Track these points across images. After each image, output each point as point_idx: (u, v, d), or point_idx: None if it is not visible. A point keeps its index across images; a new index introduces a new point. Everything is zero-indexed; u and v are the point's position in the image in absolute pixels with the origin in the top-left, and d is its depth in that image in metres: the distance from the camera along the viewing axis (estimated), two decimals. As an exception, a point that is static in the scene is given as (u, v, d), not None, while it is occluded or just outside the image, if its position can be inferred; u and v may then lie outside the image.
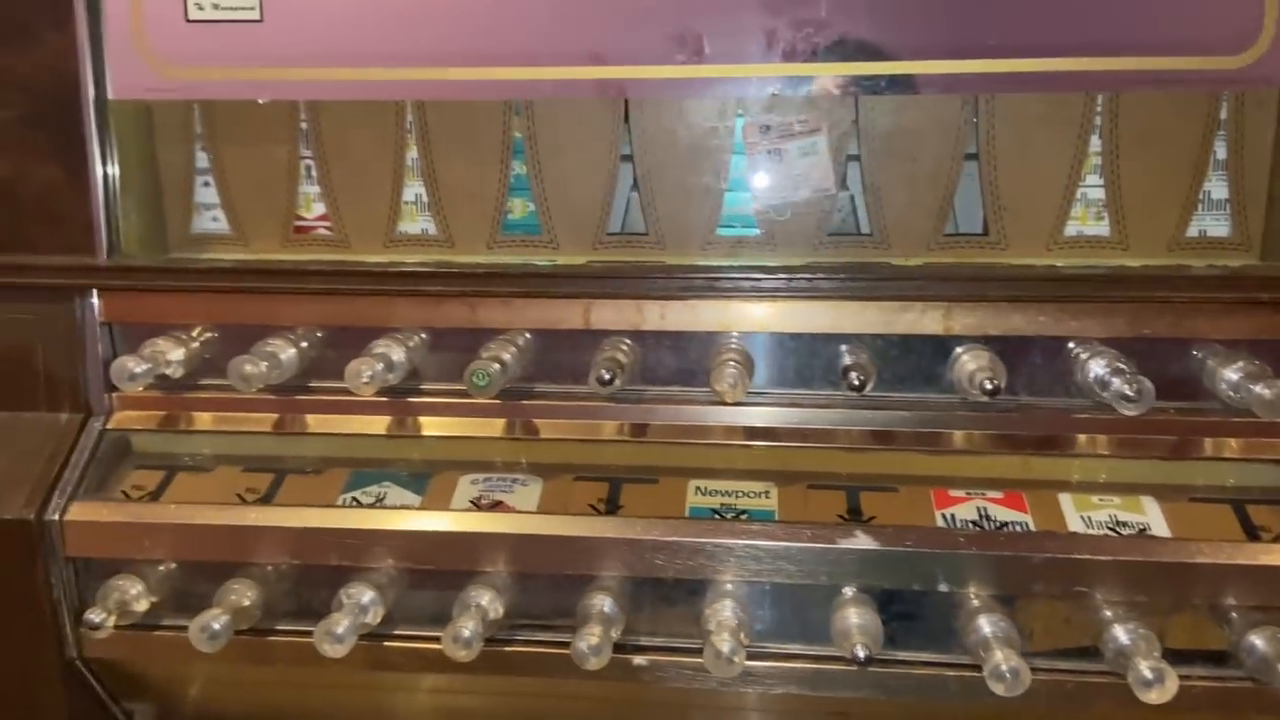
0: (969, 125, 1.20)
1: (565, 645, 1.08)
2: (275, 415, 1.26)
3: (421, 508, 1.19)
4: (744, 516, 1.15)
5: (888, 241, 1.24)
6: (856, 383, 1.11)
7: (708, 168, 1.25)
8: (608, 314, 1.21)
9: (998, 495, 1.15)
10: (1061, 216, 1.22)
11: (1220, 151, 1.20)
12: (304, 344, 1.24)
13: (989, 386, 1.09)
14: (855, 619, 1.06)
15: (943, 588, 1.07)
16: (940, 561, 1.07)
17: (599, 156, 1.26)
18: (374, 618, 1.12)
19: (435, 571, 1.15)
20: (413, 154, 1.30)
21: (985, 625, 1.05)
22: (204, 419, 1.27)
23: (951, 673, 1.09)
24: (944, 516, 1.14)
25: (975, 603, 1.07)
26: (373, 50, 1.21)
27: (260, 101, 1.26)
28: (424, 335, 1.25)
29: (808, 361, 1.21)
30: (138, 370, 1.19)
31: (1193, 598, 1.06)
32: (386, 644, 1.16)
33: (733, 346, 1.18)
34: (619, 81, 1.19)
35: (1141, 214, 1.21)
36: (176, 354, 1.23)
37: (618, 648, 1.10)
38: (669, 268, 1.22)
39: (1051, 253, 1.22)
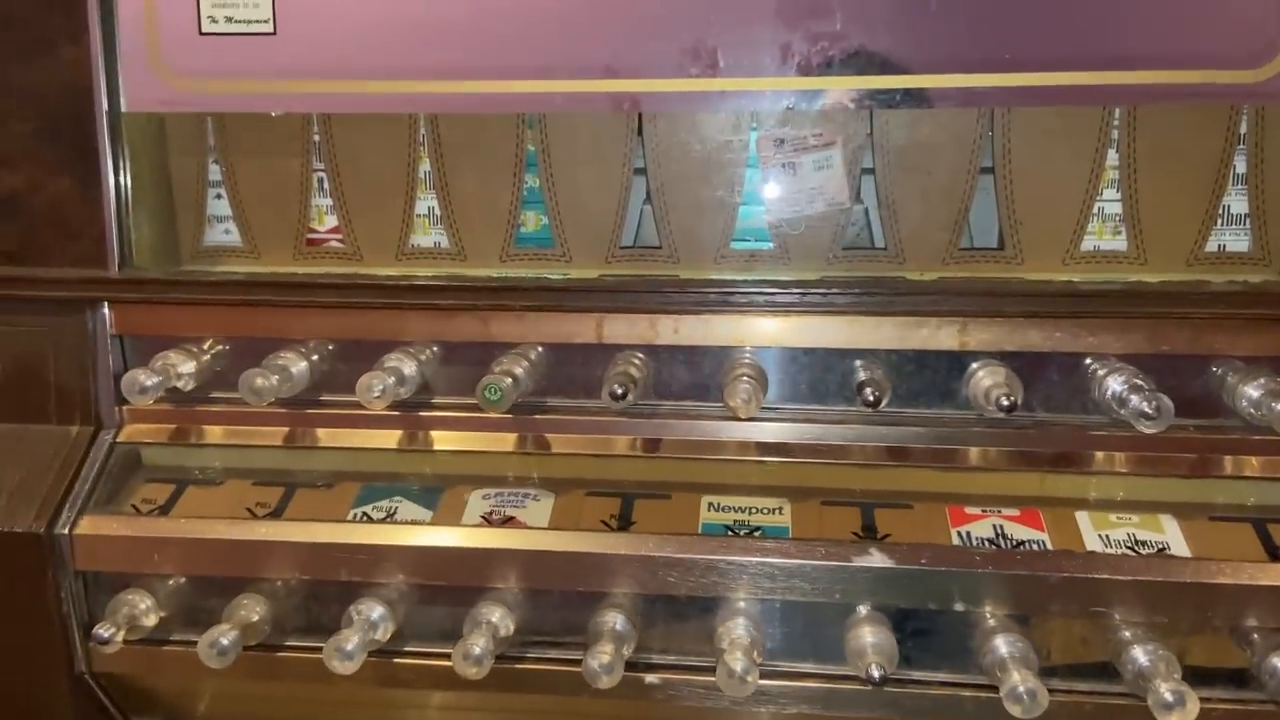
0: (984, 139, 1.19)
1: (577, 663, 1.07)
2: (286, 429, 1.26)
3: (432, 523, 1.18)
4: (757, 533, 1.14)
5: (902, 255, 1.23)
6: (871, 399, 1.10)
7: (721, 181, 1.24)
8: (620, 328, 1.20)
9: (1014, 513, 1.14)
10: (1078, 231, 1.21)
11: (1240, 165, 1.19)
12: (315, 357, 1.24)
13: (1005, 403, 1.07)
14: (870, 638, 1.05)
15: (958, 607, 1.06)
16: (956, 580, 1.05)
17: (612, 170, 1.25)
18: (384, 634, 1.11)
19: (446, 587, 1.14)
20: (425, 167, 1.30)
21: (1002, 645, 1.03)
22: (215, 432, 1.27)
23: (968, 693, 1.08)
24: (960, 534, 1.12)
25: (992, 622, 1.06)
26: (385, 63, 1.21)
27: (273, 114, 1.26)
28: (436, 349, 1.24)
29: (822, 377, 1.20)
30: (149, 383, 1.18)
31: (1213, 619, 1.05)
32: (396, 660, 1.16)
33: (746, 361, 1.17)
34: (633, 95, 1.19)
35: (1160, 229, 1.20)
36: (187, 367, 1.23)
37: (629, 666, 1.09)
38: (682, 282, 1.21)
39: (1068, 267, 1.21)
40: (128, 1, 1.22)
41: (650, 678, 1.12)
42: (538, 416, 1.23)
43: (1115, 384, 1.09)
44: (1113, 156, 1.20)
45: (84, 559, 1.19)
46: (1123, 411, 1.08)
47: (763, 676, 1.07)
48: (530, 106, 1.22)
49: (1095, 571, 1.04)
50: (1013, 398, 1.08)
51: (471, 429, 1.24)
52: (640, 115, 1.22)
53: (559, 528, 1.16)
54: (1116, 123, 1.19)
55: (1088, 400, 1.14)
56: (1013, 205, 1.21)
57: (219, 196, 1.33)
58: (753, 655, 1.04)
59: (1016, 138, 1.19)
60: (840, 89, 1.16)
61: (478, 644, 1.05)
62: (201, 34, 1.22)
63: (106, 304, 1.26)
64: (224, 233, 1.34)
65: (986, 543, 1.10)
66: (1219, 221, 1.20)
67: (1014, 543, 1.10)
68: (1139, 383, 1.08)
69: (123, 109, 1.25)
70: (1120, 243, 1.21)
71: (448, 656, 1.08)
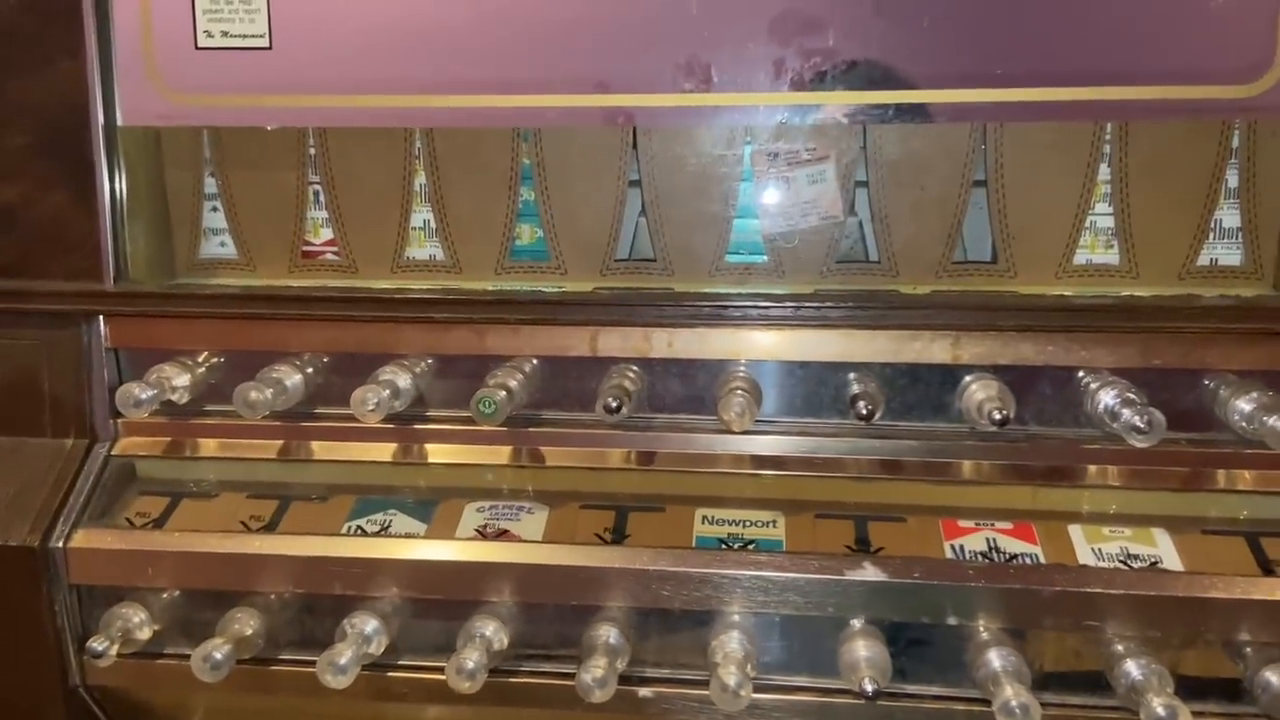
0: (977, 153, 1.20)
1: (570, 676, 1.07)
2: (281, 442, 1.26)
3: (426, 536, 1.18)
4: (751, 546, 1.14)
5: (896, 269, 1.24)
6: (865, 412, 1.10)
7: (716, 195, 1.25)
8: (615, 341, 1.20)
9: (1007, 526, 1.14)
10: (1071, 244, 1.22)
11: (1232, 179, 1.20)
12: (310, 370, 1.24)
13: (998, 417, 1.08)
14: (863, 652, 1.05)
15: (951, 621, 1.06)
16: (949, 594, 1.06)
17: (607, 183, 1.26)
18: (377, 648, 1.11)
19: (440, 601, 1.14)
20: (421, 180, 1.30)
21: (995, 659, 1.03)
22: (209, 445, 1.27)
23: (960, 707, 1.08)
24: (953, 548, 1.12)
25: (985, 636, 1.06)
26: (380, 78, 1.21)
27: (268, 128, 1.26)
28: (431, 362, 1.24)
29: (816, 390, 1.20)
30: (143, 397, 1.19)
31: (1206, 633, 1.05)
32: (390, 674, 1.16)
33: (740, 375, 1.17)
34: (626, 109, 1.19)
35: (1152, 242, 1.20)
36: (182, 380, 1.23)
37: (623, 679, 1.09)
38: (676, 295, 1.22)
39: (1061, 281, 1.22)
40: (124, 16, 1.23)
41: (644, 691, 1.12)
42: (532, 429, 1.23)
43: (1107, 398, 1.10)
44: (1105, 170, 1.20)
45: (78, 572, 1.19)
46: (1115, 425, 1.08)
47: (756, 690, 1.07)
48: (524, 121, 1.23)
49: (1087, 585, 1.04)
50: (1005, 411, 1.08)
51: (466, 442, 1.24)
52: (635, 129, 1.23)
53: (553, 541, 1.16)
54: (1108, 137, 1.19)
55: (1080, 414, 1.15)
56: (1005, 219, 1.21)
57: (215, 209, 1.34)
58: (746, 669, 1.04)
59: (1009, 152, 1.20)
60: (833, 104, 1.16)
61: (471, 658, 1.05)
62: (198, 49, 1.23)
63: (101, 317, 1.26)
64: (219, 245, 1.35)
65: (979, 556, 1.10)
66: (1211, 236, 1.20)
67: (1006, 556, 1.10)
68: (1131, 396, 1.09)
69: (119, 123, 1.25)
70: (1113, 256, 1.22)
71: (442, 670, 1.08)
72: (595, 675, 1.04)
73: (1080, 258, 1.22)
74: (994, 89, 1.14)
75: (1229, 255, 1.21)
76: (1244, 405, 1.09)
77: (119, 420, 1.26)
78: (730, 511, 1.19)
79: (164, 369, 1.23)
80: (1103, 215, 1.22)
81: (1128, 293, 1.19)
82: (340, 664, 1.06)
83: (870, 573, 1.07)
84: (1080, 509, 1.15)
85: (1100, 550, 1.10)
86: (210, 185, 1.33)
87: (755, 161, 1.24)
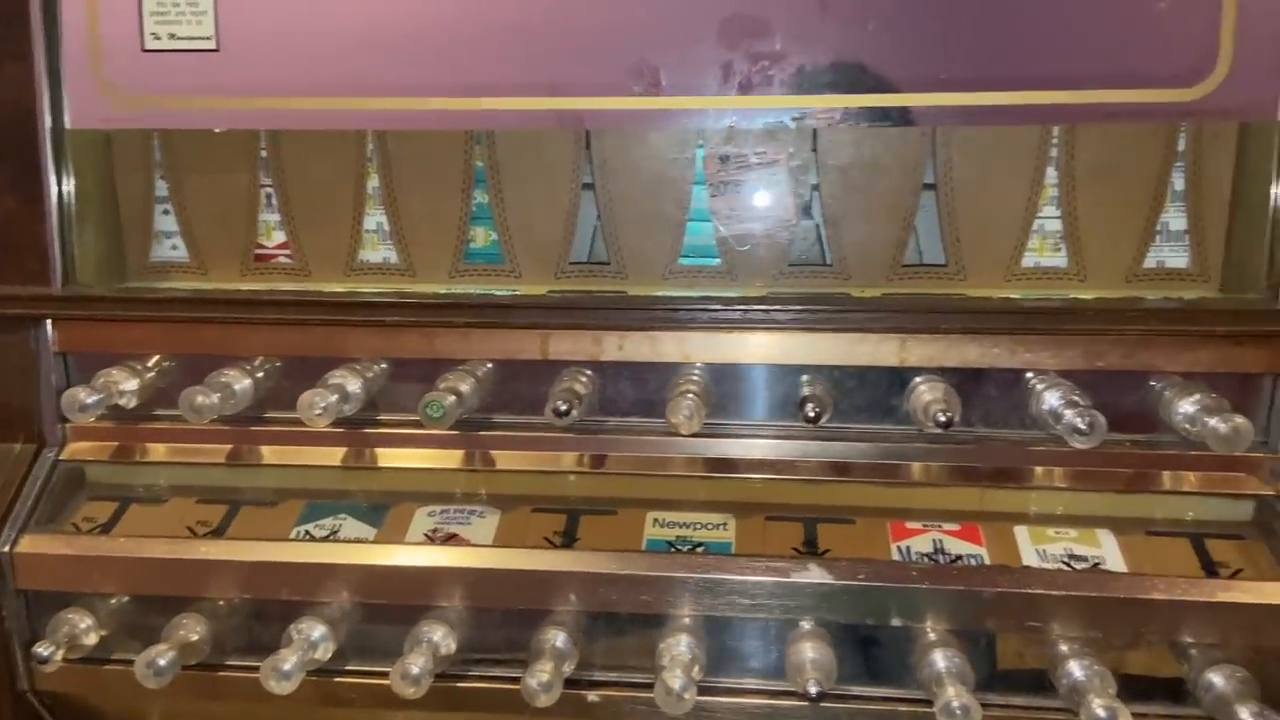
0: (927, 157, 1.20)
1: (518, 681, 1.06)
2: (230, 446, 1.25)
3: (376, 540, 1.18)
4: (700, 549, 1.14)
5: (847, 272, 1.24)
6: (812, 414, 1.10)
7: (669, 198, 1.25)
8: (566, 345, 1.20)
9: (954, 528, 1.14)
10: (1019, 248, 1.22)
11: (1178, 182, 1.20)
12: (260, 374, 1.24)
13: (942, 419, 1.08)
14: (809, 654, 1.05)
15: (896, 622, 1.07)
16: (893, 596, 1.06)
17: (560, 186, 1.26)
18: (324, 653, 1.11)
19: (387, 606, 1.13)
20: (374, 182, 1.30)
21: (939, 660, 1.04)
22: (159, 450, 1.26)
23: (905, 708, 1.08)
24: (900, 549, 1.13)
25: (929, 637, 1.06)
26: (330, 80, 1.21)
27: (216, 131, 1.25)
28: (382, 365, 1.24)
29: (766, 392, 1.21)
30: (89, 401, 1.18)
31: (1148, 634, 1.05)
32: (337, 680, 1.15)
33: (690, 378, 1.17)
34: (576, 113, 1.19)
35: (1099, 245, 1.21)
36: (130, 384, 1.22)
37: (571, 683, 1.09)
38: (626, 299, 1.22)
39: (1010, 284, 1.22)
40: (71, 19, 1.22)
41: (592, 695, 1.12)
42: (484, 433, 1.23)
43: (1052, 399, 1.10)
44: (1052, 174, 1.21)
45: (25, 578, 1.18)
46: (1058, 427, 1.09)
47: (704, 693, 1.07)
48: (475, 124, 1.23)
49: (1029, 586, 1.04)
50: (950, 413, 1.08)
51: (418, 445, 1.23)
52: (588, 131, 1.23)
53: (503, 545, 1.16)
54: (1056, 140, 1.20)
55: (1026, 415, 1.15)
56: (954, 222, 1.22)
57: (166, 212, 1.33)
58: (692, 672, 1.04)
59: (958, 156, 1.20)
60: (781, 107, 1.17)
61: (416, 663, 1.05)
62: (144, 51, 1.22)
63: (49, 321, 1.25)
64: (171, 248, 1.34)
65: (925, 558, 1.10)
66: (1158, 238, 1.21)
67: (952, 557, 1.10)
68: (1074, 398, 1.09)
69: (66, 126, 1.24)
70: (1061, 259, 1.23)
71: (389, 675, 1.08)
72: (541, 680, 1.03)
73: (1029, 260, 1.23)
74: (941, 93, 1.14)
75: (1176, 258, 1.22)
76: (1187, 407, 1.09)
77: (67, 425, 1.25)
78: (681, 514, 1.19)
79: (112, 373, 1.22)
80: (1051, 218, 1.23)
81: (1074, 295, 1.19)
82: (285, 669, 1.05)
83: (816, 575, 1.07)
84: (1027, 510, 1.16)
85: (1045, 551, 1.11)
86: (161, 188, 1.32)
87: (707, 165, 1.24)
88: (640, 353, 1.20)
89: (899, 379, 1.17)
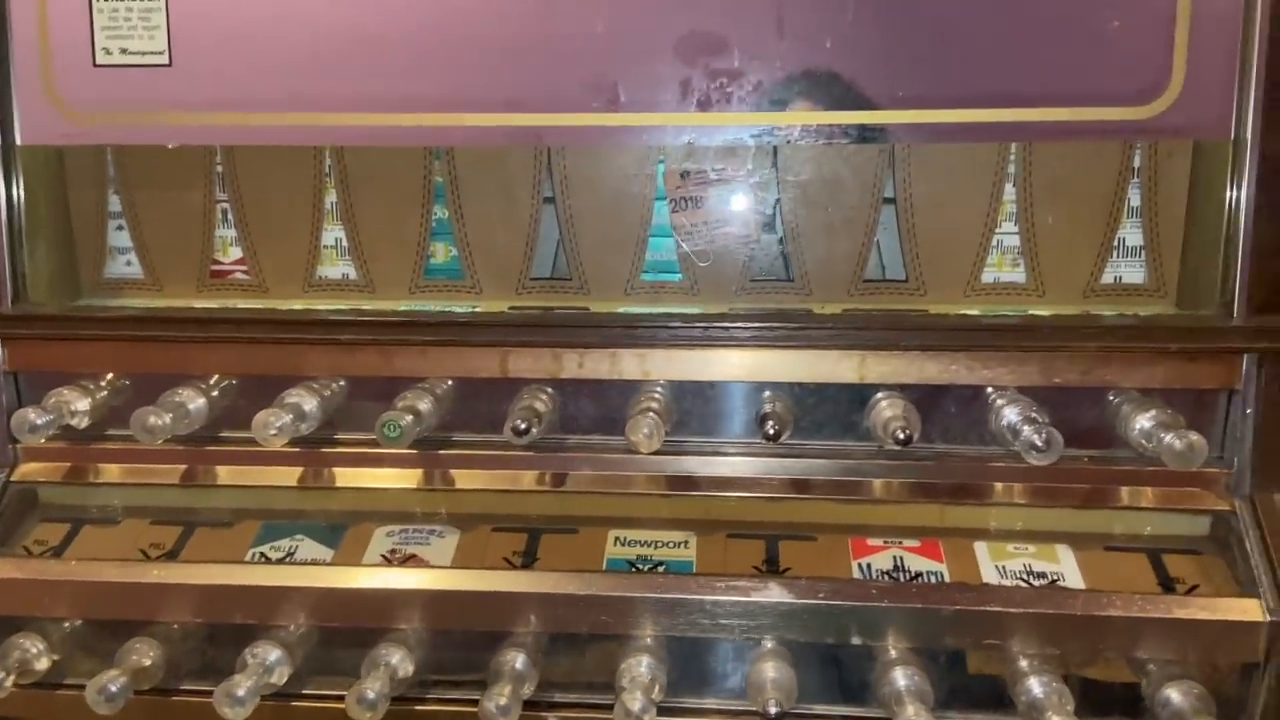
0: (887, 173, 1.21)
1: (476, 704, 1.05)
2: (185, 466, 1.23)
3: (333, 562, 1.17)
4: (661, 568, 1.13)
5: (809, 287, 1.24)
6: (771, 432, 1.10)
7: (630, 213, 1.24)
8: (525, 362, 1.19)
9: (915, 544, 1.14)
10: (978, 263, 1.23)
11: (1135, 198, 1.21)
12: (215, 393, 1.22)
13: (901, 436, 1.08)
14: (769, 673, 1.05)
15: (856, 640, 1.06)
16: (853, 615, 1.06)
17: (521, 201, 1.25)
18: (279, 678, 1.09)
19: (344, 629, 1.12)
20: (332, 197, 1.28)
21: (899, 678, 1.04)
22: (112, 470, 1.24)
23: (866, 727, 1.08)
24: (860, 566, 1.13)
25: (890, 655, 1.06)
26: (285, 95, 1.19)
27: (170, 146, 1.24)
28: (339, 384, 1.23)
29: (727, 409, 1.20)
30: (39, 422, 1.16)
31: (1106, 650, 1.06)
32: (294, 704, 1.14)
33: (651, 395, 1.17)
34: (535, 129, 1.18)
35: (1056, 261, 1.22)
36: (82, 404, 1.20)
37: (531, 705, 1.08)
38: (586, 316, 1.21)
39: (969, 299, 1.23)
40: (21, 33, 1.20)
41: (551, 717, 1.11)
42: (443, 452, 1.21)
43: (1009, 416, 1.11)
44: (1010, 190, 1.22)
45: (-26, 602, 1.16)
46: (1015, 443, 1.09)
47: (663, 714, 1.06)
48: (433, 140, 1.22)
49: (988, 604, 1.04)
50: (909, 431, 1.08)
51: (376, 464, 1.22)
52: (549, 147, 1.22)
53: (462, 565, 1.15)
54: (1014, 157, 1.20)
55: (986, 432, 1.15)
56: (914, 238, 1.22)
57: (120, 228, 1.31)
58: (651, 694, 1.03)
59: (916, 172, 1.21)
60: (740, 124, 1.16)
61: (372, 688, 1.03)
62: (96, 66, 1.20)
63: (-1, 340, 1.23)
64: (126, 264, 1.32)
65: (886, 575, 1.10)
66: (1115, 254, 1.22)
67: (912, 575, 1.10)
68: (1032, 415, 1.09)
69: (17, 142, 1.22)
70: (1020, 275, 1.23)
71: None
72: (499, 703, 1.02)
73: (988, 276, 1.24)
74: (897, 110, 1.14)
75: (1132, 273, 1.23)
76: (1143, 423, 1.10)
77: (18, 446, 1.23)
78: (643, 532, 1.18)
79: (63, 393, 1.20)
80: (1009, 234, 1.23)
81: (1032, 311, 1.20)
82: (238, 695, 1.03)
83: (776, 594, 1.06)
84: (987, 526, 1.16)
85: (1004, 568, 1.11)
86: (115, 203, 1.30)
87: (668, 181, 1.24)
88: (600, 370, 1.19)
89: (858, 395, 1.17)
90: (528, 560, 1.15)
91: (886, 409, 1.13)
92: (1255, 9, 1.09)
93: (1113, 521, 1.16)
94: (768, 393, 1.18)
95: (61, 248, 1.30)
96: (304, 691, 1.14)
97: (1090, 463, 1.15)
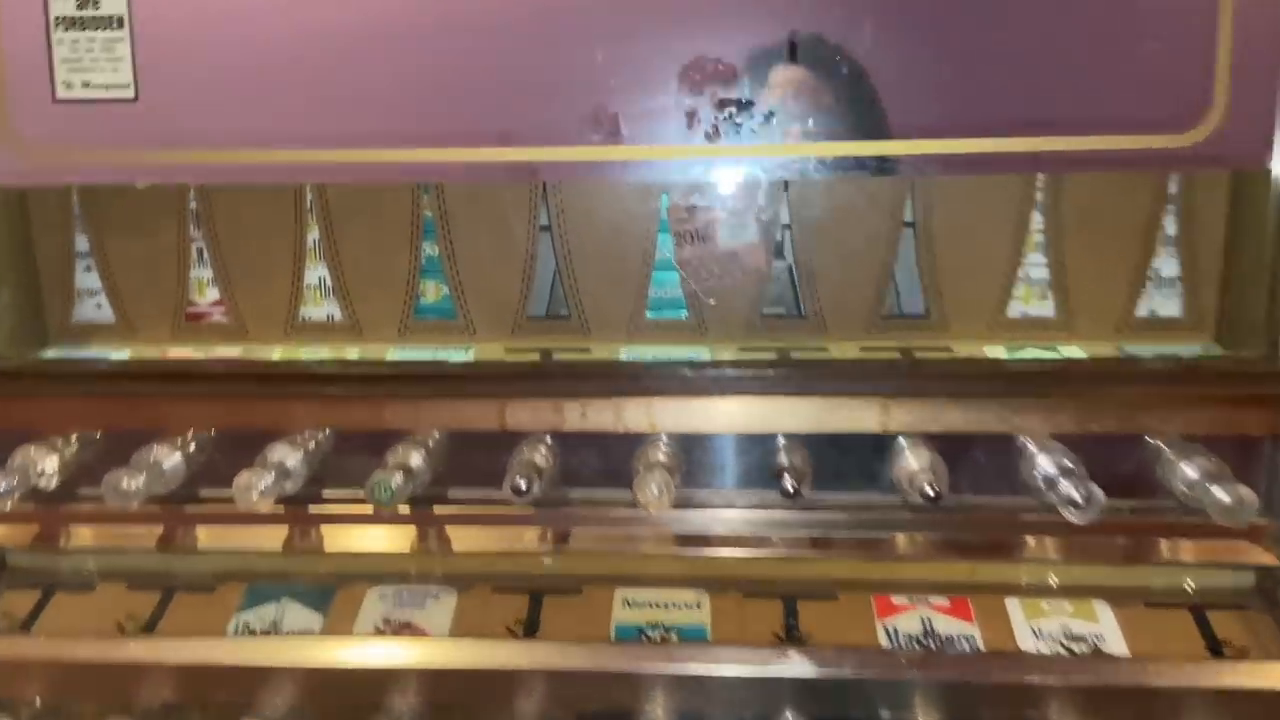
0: (904, 204, 1.13)
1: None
2: (162, 528, 1.15)
3: (324, 629, 1.09)
4: (673, 634, 1.06)
5: (824, 324, 1.17)
6: (790, 490, 1.03)
7: (632, 248, 1.17)
8: (524, 414, 1.11)
9: (943, 603, 1.08)
10: (1003, 297, 1.16)
11: (1170, 228, 1.14)
12: (192, 449, 1.14)
13: (929, 492, 1.01)
14: (792, 749, 0.98)
15: (885, 714, 0.99)
16: (881, 689, 0.99)
17: (516, 237, 1.17)
18: (268, 762, 1.02)
19: (337, 705, 1.05)
20: (314, 234, 1.20)
21: (931, 755, 0.97)
22: (84, 534, 1.16)
23: (896, 805, 1.01)
24: (886, 628, 1.06)
25: (920, 730, 0.99)
26: (260, 131, 1.11)
27: (138, 185, 1.15)
28: (326, 437, 1.15)
29: (740, 461, 1.13)
30: (3, 487, 1.08)
31: None
32: (284, 785, 1.06)
33: (659, 448, 1.09)
34: (531, 164, 1.10)
35: (1087, 294, 1.15)
36: (50, 463, 1.12)
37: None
38: (589, 365, 1.14)
39: (994, 334, 1.16)
40: (-27, 65, 1.12)
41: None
42: (438, 509, 1.14)
43: (1044, 469, 1.03)
44: (1038, 219, 1.14)
45: (-63, 681, 1.08)
46: (1051, 497, 1.02)
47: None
48: (421, 176, 1.14)
49: (1027, 675, 0.97)
50: (937, 487, 1.01)
51: (366, 523, 1.15)
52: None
53: (461, 632, 1.08)
54: (1040, 185, 1.13)
55: (1016, 483, 1.08)
56: (934, 272, 1.15)
57: (89, 269, 1.23)
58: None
59: (937, 202, 1.13)
60: (750, 156, 1.09)
61: (367, 774, 0.96)
62: (56, 100, 1.11)
63: (-42, 397, 1.15)
64: (95, 307, 1.24)
65: (914, 641, 1.03)
66: (1149, 285, 1.15)
67: (942, 639, 1.04)
68: (1069, 466, 1.02)
69: (-27, 182, 1.14)
70: (1048, 308, 1.16)
71: (336, 783, 1.00)
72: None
73: (1014, 310, 1.16)
74: (918, 140, 1.06)
75: (1167, 306, 1.16)
76: (1188, 472, 1.03)
77: (-18, 509, 1.15)
78: (652, 592, 1.11)
79: (29, 451, 1.12)
80: (1037, 266, 1.16)
81: (1062, 347, 1.13)
82: (223, 786, 0.96)
83: (797, 667, 0.99)
84: (1019, 582, 1.10)
85: (1039, 629, 1.04)
86: (82, 243, 1.22)
87: (672, 215, 1.16)
88: (604, 421, 1.11)
89: (880, 445, 1.10)
90: (530, 629, 1.08)
91: (911, 461, 1.06)
92: (1304, 29, 1.01)
93: (1151, 575, 1.09)
94: (779, 444, 1.10)
95: (26, 293, 1.22)
96: (294, 771, 1.07)
97: (1128, 514, 1.08)
